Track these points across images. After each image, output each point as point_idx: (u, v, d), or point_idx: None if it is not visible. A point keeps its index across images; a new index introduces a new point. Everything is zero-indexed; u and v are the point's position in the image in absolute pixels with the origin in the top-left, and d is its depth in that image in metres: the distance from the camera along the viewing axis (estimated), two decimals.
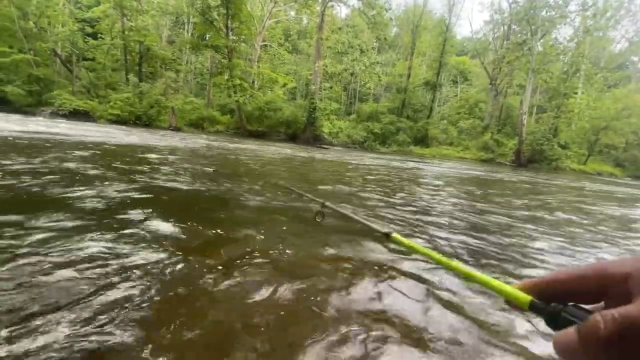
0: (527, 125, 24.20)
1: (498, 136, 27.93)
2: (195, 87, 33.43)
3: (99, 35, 28.94)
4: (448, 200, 4.50)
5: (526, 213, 4.11)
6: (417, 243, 0.40)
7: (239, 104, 23.12)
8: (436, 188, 5.92)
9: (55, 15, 24.96)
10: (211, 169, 5.09)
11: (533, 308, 0.28)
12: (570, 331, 0.23)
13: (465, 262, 2.11)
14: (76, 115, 20.60)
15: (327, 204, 0.84)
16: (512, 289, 0.30)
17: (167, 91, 26.54)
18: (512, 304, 0.30)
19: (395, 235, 0.46)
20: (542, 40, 25.73)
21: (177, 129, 21.37)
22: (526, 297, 0.28)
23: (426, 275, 1.74)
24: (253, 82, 27.98)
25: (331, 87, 33.17)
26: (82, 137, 8.56)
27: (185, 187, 3.46)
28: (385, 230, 0.48)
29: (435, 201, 4.32)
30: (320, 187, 4.60)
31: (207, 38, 25.16)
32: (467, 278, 0.33)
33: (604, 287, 0.25)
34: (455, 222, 3.11)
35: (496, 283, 0.31)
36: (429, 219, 3.14)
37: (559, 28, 27.15)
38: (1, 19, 22.41)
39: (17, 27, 22.64)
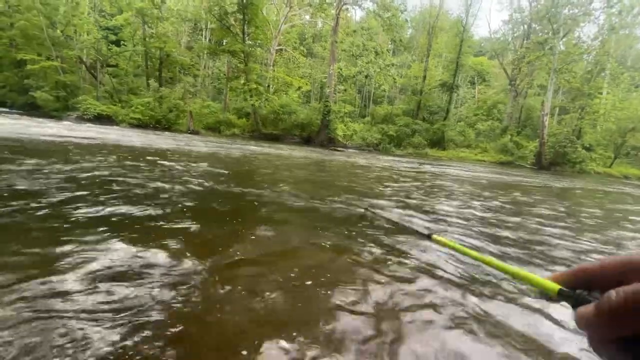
0: (548, 127, 23.42)
1: (518, 138, 27.15)
2: (212, 92, 34.17)
3: (122, 42, 30.07)
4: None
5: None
6: (456, 242, 0.42)
7: (255, 108, 23.45)
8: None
9: (81, 23, 26.09)
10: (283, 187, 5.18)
11: (561, 295, 0.30)
12: (590, 306, 0.25)
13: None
14: (100, 119, 21.42)
15: (370, 209, 0.86)
16: (543, 279, 0.32)
17: (186, 95, 27.19)
18: (543, 293, 0.32)
19: (435, 236, 0.47)
20: (564, 39, 24.90)
21: (195, 133, 21.86)
22: (555, 286, 0.31)
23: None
24: (268, 86, 28.34)
25: (345, 90, 33.20)
26: (134, 142, 8.88)
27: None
28: (426, 232, 0.48)
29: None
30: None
31: (224, 43, 25.71)
32: (503, 271, 0.35)
33: (626, 274, 0.26)
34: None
35: (529, 275, 0.33)
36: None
37: (582, 26, 26.18)
38: (31, 27, 23.60)
39: (45, 36, 23.77)
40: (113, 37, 29.00)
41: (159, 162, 5.70)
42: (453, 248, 0.42)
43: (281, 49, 31.27)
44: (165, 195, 3.13)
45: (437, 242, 0.44)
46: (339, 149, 21.65)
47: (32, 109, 22.72)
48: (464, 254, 0.39)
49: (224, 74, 29.98)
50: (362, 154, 19.00)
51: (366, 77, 31.17)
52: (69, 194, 2.81)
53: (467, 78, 38.79)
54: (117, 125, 21.02)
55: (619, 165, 25.52)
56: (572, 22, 24.09)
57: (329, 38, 27.28)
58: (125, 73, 28.43)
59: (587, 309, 0.25)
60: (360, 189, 4.98)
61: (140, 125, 21.72)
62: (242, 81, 23.83)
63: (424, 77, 30.80)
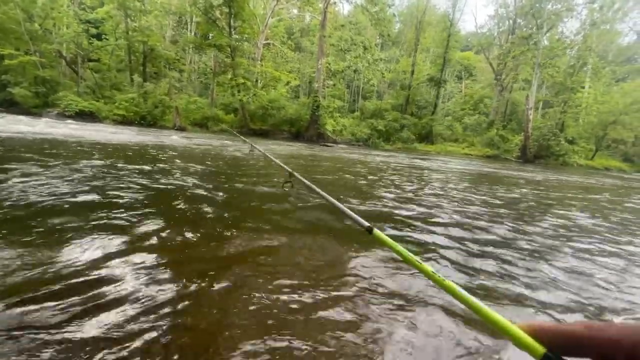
0: (533, 121, 23.90)
1: (503, 132, 27.64)
2: (199, 87, 33.54)
3: (104, 36, 29.11)
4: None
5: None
6: (398, 245, 0.38)
7: (243, 103, 23.15)
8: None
9: (59, 16, 25.15)
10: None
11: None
12: None
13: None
14: (82, 116, 20.80)
15: (296, 174, 0.81)
16: (522, 333, 0.26)
17: (171, 91, 26.62)
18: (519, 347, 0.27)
19: (376, 232, 0.42)
20: (548, 35, 25.35)
21: (182, 129, 21.47)
22: (539, 348, 0.26)
23: None
24: (256, 80, 27.98)
25: (334, 85, 33.04)
26: (127, 140, 8.64)
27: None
28: (367, 224, 0.44)
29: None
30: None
31: (210, 37, 25.20)
32: (459, 299, 0.30)
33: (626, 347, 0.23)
34: None
35: (496, 317, 0.27)
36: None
37: (565, 21, 26.73)
38: (7, 21, 22.63)
39: (22, 30, 22.85)
40: (94, 31, 28.04)
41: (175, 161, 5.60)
42: (395, 251, 0.37)
43: (269, 44, 30.87)
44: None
45: (377, 238, 0.40)
46: (328, 144, 21.62)
47: (11, 106, 21.88)
48: (405, 259, 0.35)
49: (211, 69, 29.46)
50: (351, 149, 19.03)
51: (355, 71, 31.09)
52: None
53: (454, 73, 39.14)
54: (100, 122, 20.47)
55: (600, 158, 26.30)
56: (555, 17, 24.52)
57: (317, 32, 27.06)
58: (108, 68, 27.61)
59: None
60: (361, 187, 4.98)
61: (125, 121, 21.21)
62: (230, 76, 23.47)
63: (412, 71, 30.94)
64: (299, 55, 35.33)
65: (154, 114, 22.68)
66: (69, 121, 17.49)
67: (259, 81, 28.86)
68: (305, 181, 0.70)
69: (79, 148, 6.34)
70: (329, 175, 5.92)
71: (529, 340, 0.26)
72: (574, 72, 27.08)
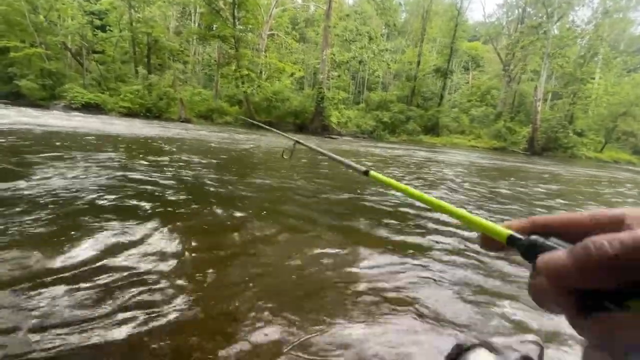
0: (541, 113, 23.51)
1: (511, 124, 27.22)
2: (203, 79, 33.43)
3: (108, 27, 29.02)
4: None
5: None
6: (392, 179, 0.41)
7: (247, 95, 23.05)
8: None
9: (64, 8, 25.07)
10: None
11: (512, 242, 0.25)
12: (559, 254, 0.21)
13: None
14: (88, 108, 20.89)
15: (301, 141, 0.87)
16: (490, 224, 0.27)
17: (176, 83, 26.58)
18: (489, 242, 0.27)
19: (372, 172, 0.47)
20: (558, 24, 24.73)
21: (187, 121, 21.50)
22: (505, 231, 0.26)
23: None
24: (261, 72, 27.80)
25: (339, 76, 32.71)
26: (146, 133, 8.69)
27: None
28: (363, 168, 0.50)
29: None
30: None
31: (214, 28, 24.99)
32: (442, 211, 0.31)
33: (596, 226, 0.22)
34: None
35: (472, 217, 0.28)
36: None
37: (576, 10, 26.07)
38: (12, 13, 22.63)
39: (27, 22, 22.85)
40: (98, 22, 27.93)
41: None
42: (389, 184, 0.40)
43: (273, 34, 30.54)
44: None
45: (374, 178, 0.44)
46: (333, 136, 21.53)
47: (17, 98, 22.03)
48: (399, 190, 0.37)
49: (215, 60, 29.32)
50: (356, 141, 18.94)
51: (360, 62, 30.70)
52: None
53: (461, 63, 38.51)
54: (106, 114, 20.55)
55: (609, 150, 25.86)
56: (567, 6, 23.89)
57: (321, 23, 26.69)
58: (113, 60, 27.58)
59: (558, 256, 0.21)
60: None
61: (130, 113, 21.26)
62: (234, 67, 23.34)
63: (418, 62, 30.46)
64: (304, 46, 34.95)
65: (159, 106, 22.69)
66: (75, 113, 17.60)
67: (263, 72, 28.67)
68: (310, 145, 0.80)
69: (97, 142, 6.38)
70: (335, 169, 5.90)
71: (498, 228, 0.26)
72: (584, 63, 26.45)
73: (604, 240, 0.18)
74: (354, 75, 35.35)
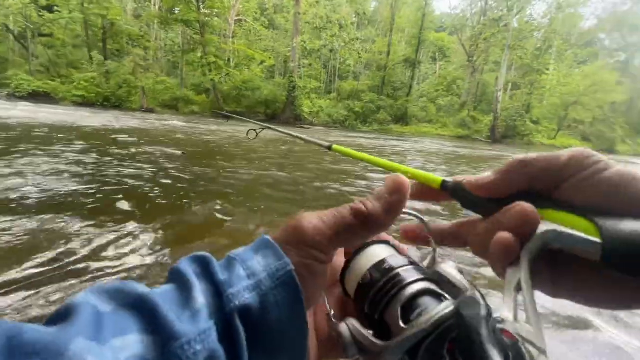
0: (502, 102, 24.77)
1: (475, 113, 28.48)
2: (166, 66, 31.61)
3: (55, 8, 26.40)
4: None
5: None
6: (353, 150, 0.43)
7: (215, 83, 22.18)
8: None
9: None
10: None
11: (445, 187, 0.28)
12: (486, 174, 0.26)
13: None
14: (36, 97, 19.11)
15: (268, 125, 0.87)
16: (427, 174, 0.30)
17: (137, 70, 24.96)
18: (425, 192, 0.30)
19: (335, 146, 0.49)
20: (517, 17, 25.94)
21: (150, 111, 20.38)
22: (438, 178, 0.28)
23: None
24: (229, 59, 26.79)
25: (310, 65, 32.35)
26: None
27: None
28: (327, 143, 0.52)
29: None
30: None
31: (176, 12, 23.57)
32: (390, 169, 0.33)
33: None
34: None
35: (414, 170, 0.31)
36: None
37: (533, 4, 27.45)
38: None
39: None
40: (44, 2, 25.36)
41: None
42: (350, 155, 0.43)
43: (241, 20, 29.41)
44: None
45: (338, 151, 0.46)
46: (305, 126, 21.38)
47: None
48: (360, 159, 0.40)
49: (179, 47, 27.82)
50: (329, 131, 18.95)
51: (331, 51, 30.52)
52: None
53: (429, 54, 39.39)
54: (57, 103, 18.94)
55: (561, 137, 27.87)
56: (525, 0, 25.06)
57: (291, 9, 26.07)
58: (63, 44, 25.28)
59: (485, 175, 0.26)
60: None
61: (86, 103, 19.77)
62: (199, 54, 22.29)
63: (388, 52, 30.79)
64: (273, 33, 34.04)
65: (119, 95, 21.28)
66: (23, 103, 16.05)
67: (232, 60, 27.65)
68: (276, 128, 0.80)
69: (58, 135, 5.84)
70: (314, 164, 5.86)
71: (431, 176, 0.29)
72: (540, 55, 28.10)
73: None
74: (326, 64, 35.09)
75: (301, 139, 0.65)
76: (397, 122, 28.28)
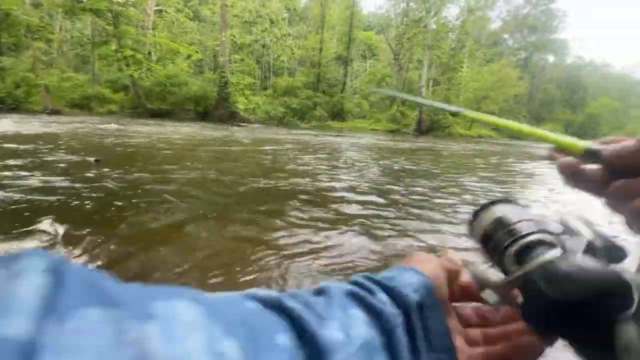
0: (425, 98, 26.87)
1: (403, 108, 30.43)
2: (74, 60, 27.91)
3: None
4: None
5: None
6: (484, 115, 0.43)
7: (134, 79, 20.27)
8: None
9: None
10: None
11: (589, 153, 0.27)
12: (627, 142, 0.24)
13: None
14: None
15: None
16: (569, 139, 0.29)
17: (38, 66, 21.66)
18: (562, 157, 0.30)
19: (467, 112, 0.49)
20: (435, 18, 28.30)
21: (56, 112, 17.88)
22: (582, 144, 0.28)
23: None
24: (149, 53, 24.65)
25: (243, 60, 31.36)
26: None
27: None
28: (456, 108, 0.51)
29: None
30: None
31: (84, 0, 20.87)
32: (528, 135, 0.35)
33: None
34: None
35: (551, 135, 0.31)
36: None
37: (448, 7, 30.20)
38: None
39: None
40: None
41: None
42: (486, 121, 0.43)
43: (161, 10, 27.20)
44: None
45: (470, 116, 0.46)
46: (242, 124, 20.73)
47: None
48: (497, 125, 0.40)
49: (89, 39, 24.80)
50: (268, 129, 18.63)
51: (263, 46, 29.94)
52: None
53: (359, 52, 40.94)
54: None
55: (475, 128, 31.30)
56: (441, 2, 27.43)
57: (218, 1, 24.89)
58: None
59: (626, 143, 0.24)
60: None
61: None
62: (114, 47, 20.15)
63: (320, 49, 31.21)
64: (199, 26, 32.16)
65: (16, 96, 18.35)
66: None
67: (153, 54, 25.50)
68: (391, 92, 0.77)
69: None
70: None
71: (575, 142, 0.28)
72: (455, 54, 31.12)
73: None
74: (259, 60, 34.33)
75: (427, 105, 0.61)
76: (334, 118, 28.91)
